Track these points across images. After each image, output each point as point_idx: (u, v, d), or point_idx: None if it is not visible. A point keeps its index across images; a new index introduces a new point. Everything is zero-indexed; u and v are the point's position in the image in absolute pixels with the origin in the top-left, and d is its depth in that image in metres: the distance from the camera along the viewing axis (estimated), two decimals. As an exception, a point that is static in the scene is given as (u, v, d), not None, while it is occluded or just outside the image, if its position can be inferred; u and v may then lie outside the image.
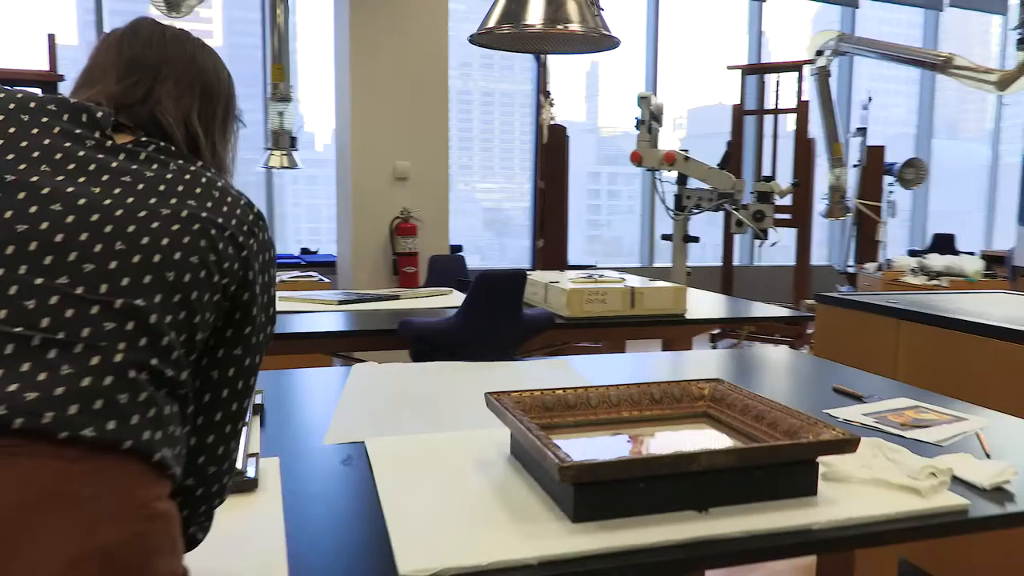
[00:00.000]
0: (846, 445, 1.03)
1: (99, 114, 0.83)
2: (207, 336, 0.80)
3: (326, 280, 4.46)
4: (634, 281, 3.06)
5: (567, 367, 1.94)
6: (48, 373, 0.65)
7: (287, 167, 4.84)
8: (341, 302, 3.09)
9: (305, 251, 5.91)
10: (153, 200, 0.78)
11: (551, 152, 5.01)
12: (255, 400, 1.50)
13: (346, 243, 4.70)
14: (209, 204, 0.81)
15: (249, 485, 1.11)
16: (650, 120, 3.40)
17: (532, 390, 1.26)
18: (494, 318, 2.42)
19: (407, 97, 4.37)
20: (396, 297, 3.28)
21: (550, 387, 1.29)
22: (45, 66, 4.46)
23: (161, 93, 0.89)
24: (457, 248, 5.48)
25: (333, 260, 5.19)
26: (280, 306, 3.01)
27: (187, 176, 0.83)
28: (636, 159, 3.48)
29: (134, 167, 0.80)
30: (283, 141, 4.78)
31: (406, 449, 1.28)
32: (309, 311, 2.98)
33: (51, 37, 4.48)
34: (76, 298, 0.69)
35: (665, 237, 4.18)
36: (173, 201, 0.79)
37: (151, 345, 0.71)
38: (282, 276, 4.40)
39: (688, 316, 2.92)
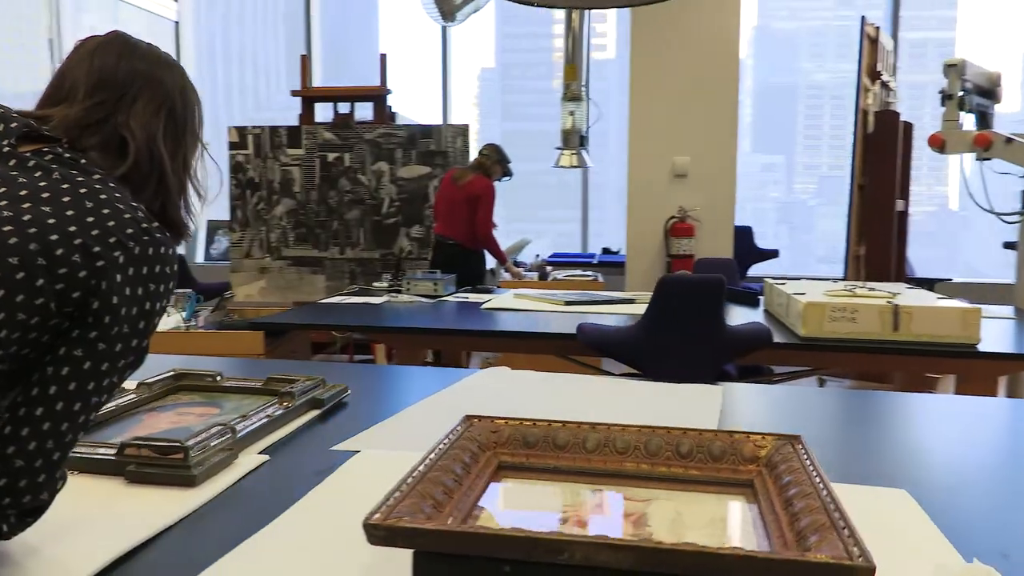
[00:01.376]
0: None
1: (13, 124, 0.88)
2: (31, 334, 0.79)
3: (600, 280, 4.35)
4: (910, 297, 2.41)
5: (714, 396, 1.56)
6: None
7: (576, 166, 4.83)
8: (568, 303, 2.96)
9: (606, 251, 5.88)
10: (3, 203, 0.80)
11: (876, 143, 4.23)
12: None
13: (627, 244, 4.54)
14: (69, 212, 0.81)
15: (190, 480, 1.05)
16: (967, 95, 2.62)
17: (521, 420, 1.00)
18: (684, 330, 2.08)
19: (689, 89, 4.04)
20: (631, 301, 3.05)
21: (552, 419, 1.01)
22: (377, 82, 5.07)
23: (128, 115, 0.94)
24: (761, 253, 4.95)
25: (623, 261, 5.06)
26: (511, 303, 3.00)
27: (63, 185, 0.83)
28: (937, 143, 2.71)
29: (13, 174, 0.84)
30: (572, 140, 4.78)
31: (378, 470, 1.11)
32: (530, 309, 2.91)
33: (383, 57, 5.08)
34: None
35: (1008, 245, 3.24)
36: (25, 206, 0.80)
37: None
38: (556, 275, 4.40)
39: (984, 348, 2.21)
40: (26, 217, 0.79)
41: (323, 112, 5.35)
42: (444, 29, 6.31)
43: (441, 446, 0.90)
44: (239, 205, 5.29)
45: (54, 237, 0.79)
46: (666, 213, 4.11)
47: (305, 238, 5.26)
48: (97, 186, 0.85)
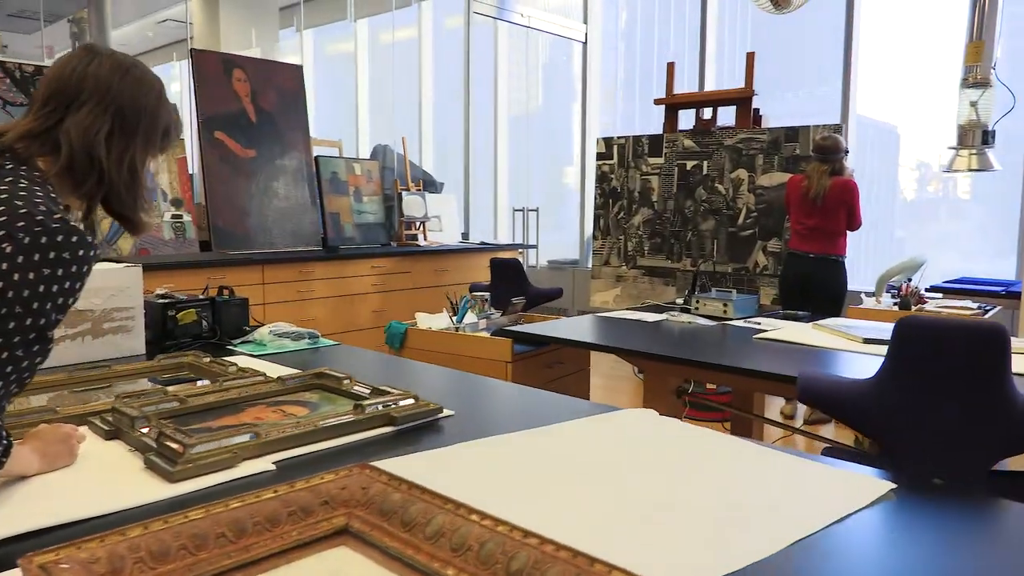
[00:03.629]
0: None
1: None
2: None
3: (978, 309, 3.38)
4: None
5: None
6: None
7: (978, 169, 3.86)
8: (866, 340, 2.38)
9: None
10: None
11: None
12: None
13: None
14: None
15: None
16: None
17: (401, 481, 0.83)
18: (938, 391, 1.50)
19: None
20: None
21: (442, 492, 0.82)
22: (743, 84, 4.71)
23: (71, 120, 1.06)
24: None
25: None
26: (800, 334, 2.54)
27: None
28: None
29: None
30: (972, 137, 3.82)
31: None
32: (816, 344, 2.41)
33: (750, 56, 4.70)
34: None
35: None
36: None
37: None
38: (926, 306, 3.55)
39: None
40: None
41: (687, 119, 5.18)
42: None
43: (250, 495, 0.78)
44: (602, 214, 5.43)
45: None
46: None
47: (660, 248, 5.17)
48: (3, 188, 0.96)
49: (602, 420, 1.45)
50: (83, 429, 1.33)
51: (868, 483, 1.10)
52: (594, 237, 5.54)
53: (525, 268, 7.45)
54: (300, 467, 1.20)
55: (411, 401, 1.45)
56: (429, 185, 6.18)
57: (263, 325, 2.37)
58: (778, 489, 1.07)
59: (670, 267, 5.11)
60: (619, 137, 5.34)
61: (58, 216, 0.97)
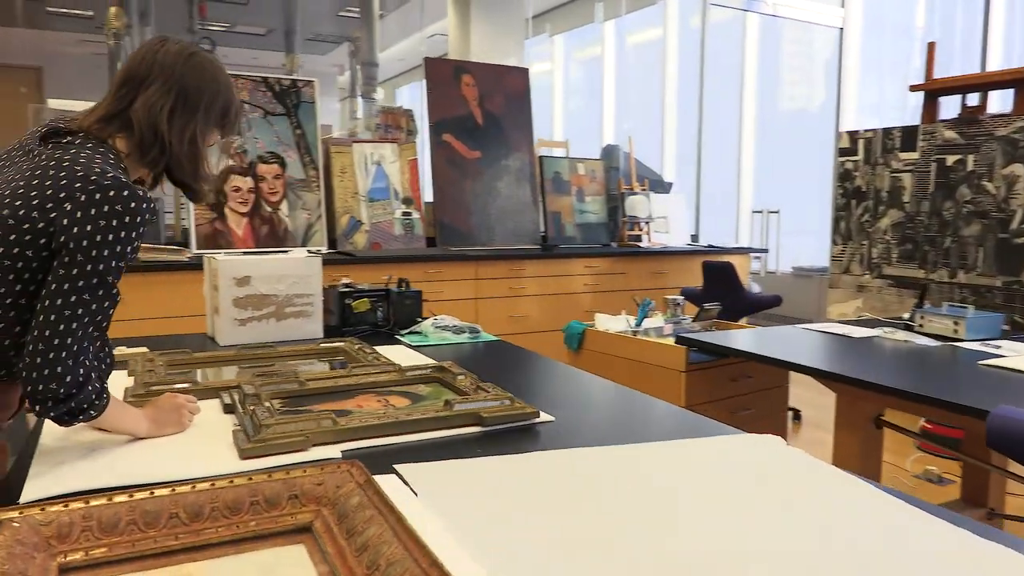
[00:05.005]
0: None
1: (43, 129, 1.21)
2: (26, 274, 1.09)
3: None
4: None
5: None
6: None
7: None
8: None
9: None
10: (9, 178, 1.15)
11: None
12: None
13: None
14: (35, 182, 1.11)
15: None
16: None
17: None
18: None
19: None
20: None
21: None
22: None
23: (139, 99, 1.21)
24: None
25: None
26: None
27: (42, 161, 1.14)
28: None
29: (20, 162, 1.18)
30: None
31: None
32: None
33: (930, 45, 3.93)
34: None
35: None
36: (13, 185, 1.12)
37: None
38: None
39: None
40: (13, 184, 1.12)
41: (949, 107, 4.47)
42: None
43: None
44: (843, 216, 4.88)
45: (19, 203, 1.09)
46: None
47: (911, 255, 4.52)
48: (67, 158, 1.12)
49: (708, 443, 1.28)
50: (210, 402, 1.46)
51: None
52: (833, 242, 5.00)
53: (763, 274, 6.98)
54: (364, 457, 1.19)
55: (506, 402, 1.38)
56: (656, 185, 6.01)
57: (432, 317, 2.44)
58: None
59: (923, 278, 4.45)
60: (866, 130, 4.76)
61: (111, 175, 1.09)
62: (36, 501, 0.97)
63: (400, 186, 4.79)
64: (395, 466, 1.14)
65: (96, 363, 1.15)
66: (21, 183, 1.11)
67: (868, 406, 2.11)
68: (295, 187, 4.43)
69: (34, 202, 1.08)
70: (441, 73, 5.01)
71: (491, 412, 1.35)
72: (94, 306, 1.09)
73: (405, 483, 1.06)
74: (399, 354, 1.99)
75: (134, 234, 1.11)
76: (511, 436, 1.32)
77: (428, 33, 12.37)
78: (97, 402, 1.12)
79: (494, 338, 2.27)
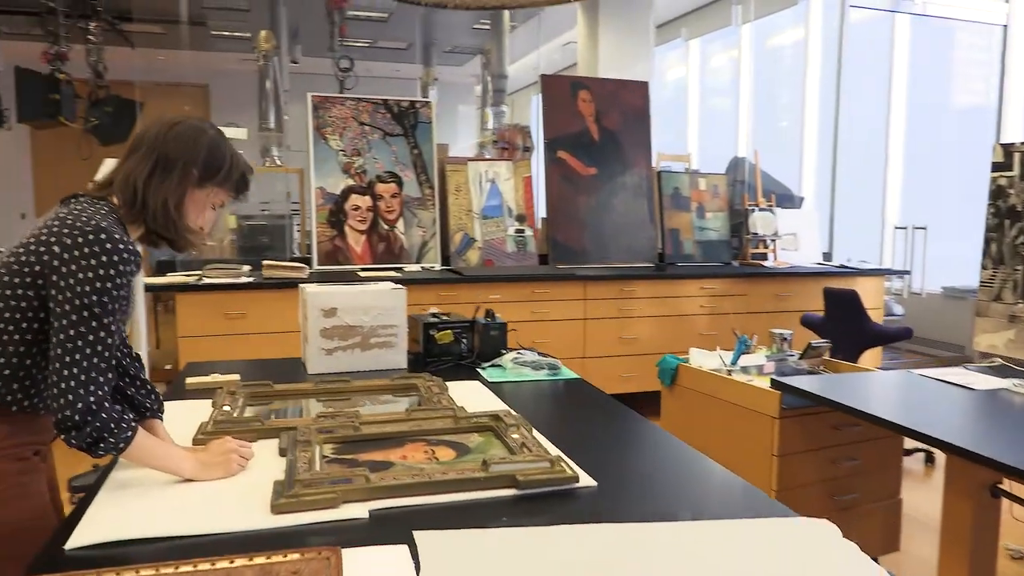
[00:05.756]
0: None
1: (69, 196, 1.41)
2: (38, 298, 1.28)
3: None
4: None
5: None
6: None
7: None
8: None
9: None
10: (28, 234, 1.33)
11: None
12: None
13: None
14: (40, 231, 1.29)
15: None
16: None
17: None
18: None
19: None
20: None
21: None
22: None
23: (127, 164, 1.38)
24: None
25: None
26: None
27: (49, 218, 1.32)
28: None
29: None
30: None
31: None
32: None
33: None
34: None
35: None
36: (31, 232, 1.32)
37: None
38: None
39: None
40: (21, 244, 1.30)
41: None
42: None
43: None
44: (995, 237, 4.42)
45: (21, 250, 1.28)
46: None
47: (1074, 285, 4.02)
48: (64, 211, 1.31)
49: (750, 527, 1.18)
50: (272, 441, 1.52)
51: None
52: (983, 266, 4.54)
53: (905, 295, 6.45)
54: (390, 519, 1.20)
55: (546, 464, 1.35)
56: (785, 200, 5.70)
57: (516, 350, 2.43)
58: None
59: (1088, 310, 3.95)
60: (1022, 143, 4.29)
61: (94, 223, 1.26)
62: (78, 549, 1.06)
63: (514, 203, 4.82)
64: (414, 532, 1.14)
65: (117, 394, 1.33)
66: (31, 235, 1.30)
67: (983, 473, 1.89)
68: (411, 205, 4.56)
69: (31, 247, 1.28)
70: (558, 89, 4.99)
71: (528, 475, 1.32)
72: (91, 337, 1.22)
73: (414, 556, 1.05)
74: (471, 392, 1.99)
75: (113, 272, 1.24)
76: (546, 502, 1.29)
77: (563, 41, 12.40)
78: (116, 431, 1.23)
79: (573, 376, 2.23)
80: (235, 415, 1.67)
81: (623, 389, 4.50)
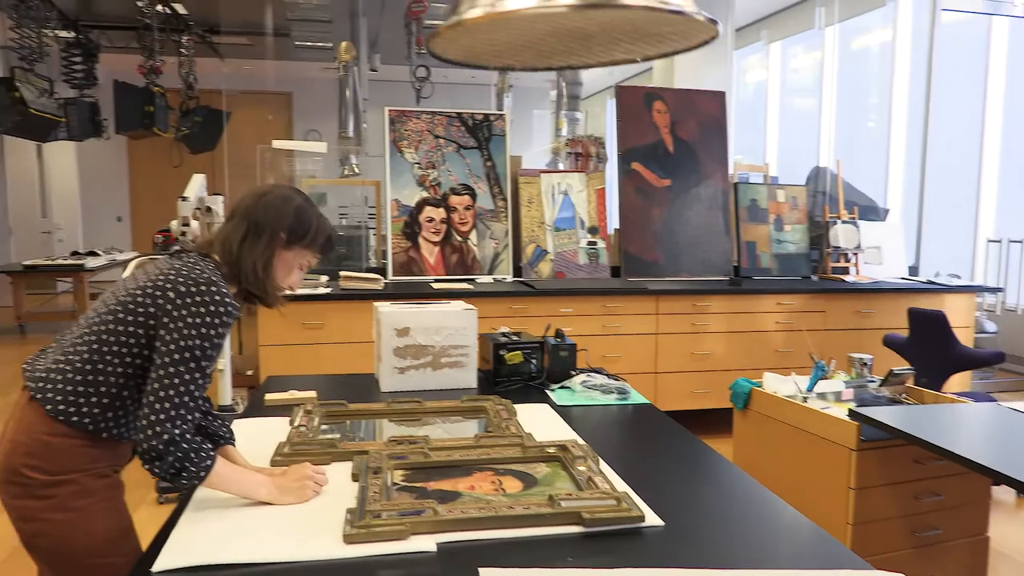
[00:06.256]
0: None
1: (172, 251, 1.59)
2: (141, 347, 1.40)
3: None
4: None
5: None
6: None
7: None
8: None
9: None
10: (142, 278, 1.46)
11: None
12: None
13: None
14: (154, 277, 1.42)
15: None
16: None
17: None
18: None
19: None
20: None
21: None
22: None
23: (225, 229, 1.52)
24: None
25: None
26: None
27: (163, 266, 1.46)
28: None
29: (151, 269, 1.48)
30: None
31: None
32: None
33: None
34: None
35: None
36: (145, 277, 1.44)
37: None
38: None
39: None
40: (137, 286, 1.42)
41: None
42: None
43: None
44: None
45: (138, 292, 1.40)
46: None
47: None
48: (178, 263, 1.44)
49: (823, 581, 1.15)
50: (345, 464, 1.57)
51: None
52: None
53: (999, 312, 6.13)
54: (458, 552, 1.22)
55: (612, 503, 1.35)
56: (869, 211, 5.50)
57: (585, 371, 2.43)
58: None
59: None
60: None
61: (204, 276, 1.39)
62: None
63: (586, 215, 4.81)
64: (480, 569, 1.16)
65: (197, 430, 1.42)
66: (147, 280, 1.41)
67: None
68: (484, 217, 4.61)
69: (147, 290, 1.40)
70: (632, 100, 4.95)
71: (594, 513, 1.32)
72: (187, 377, 1.33)
73: (479, 597, 1.07)
74: (539, 417, 2.00)
75: (217, 321, 1.36)
76: (612, 540, 1.29)
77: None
78: (197, 460, 1.31)
79: (644, 401, 2.21)
80: (311, 436, 1.73)
81: (695, 405, 4.43)
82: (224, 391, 3.65)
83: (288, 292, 1.59)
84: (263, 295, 1.53)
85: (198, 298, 1.36)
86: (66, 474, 1.38)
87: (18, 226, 9.64)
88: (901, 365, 3.94)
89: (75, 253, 8.43)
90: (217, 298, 1.37)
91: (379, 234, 4.91)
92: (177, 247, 3.31)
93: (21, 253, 9.48)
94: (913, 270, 5.68)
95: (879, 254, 5.38)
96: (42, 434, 1.37)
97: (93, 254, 8.28)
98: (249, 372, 4.45)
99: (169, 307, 1.36)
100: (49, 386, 1.38)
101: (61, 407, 1.37)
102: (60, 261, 7.75)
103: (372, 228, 5.17)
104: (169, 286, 1.38)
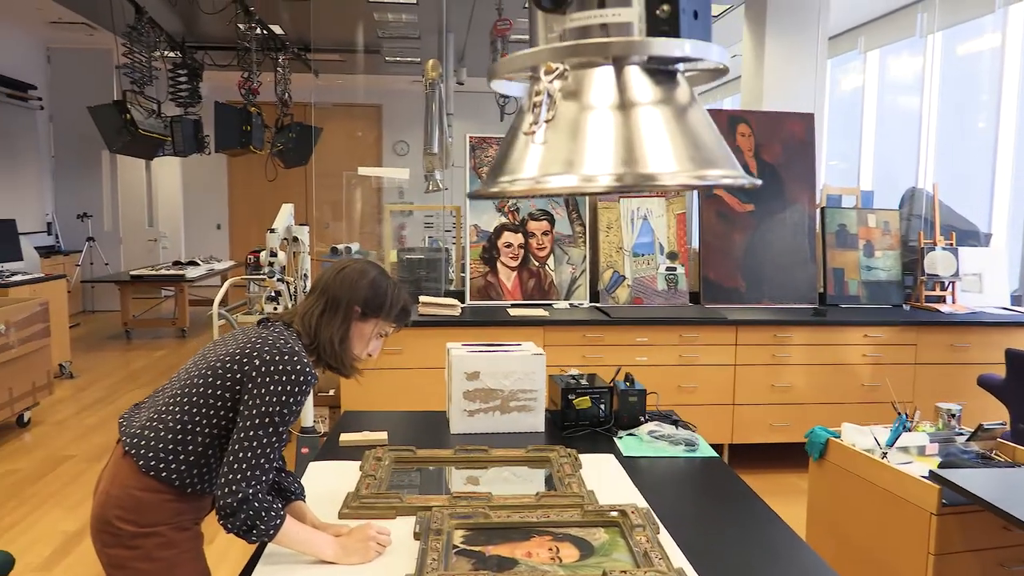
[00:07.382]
0: None
1: (259, 321, 1.65)
2: (226, 411, 1.50)
3: None
4: None
5: None
6: None
7: None
8: None
9: None
10: (232, 344, 1.56)
11: None
12: None
13: None
14: (238, 347, 1.52)
15: None
16: None
17: None
18: None
19: None
20: None
21: None
22: None
23: (305, 303, 1.60)
24: None
25: None
26: None
27: (251, 333, 1.54)
28: None
29: (241, 337, 1.57)
30: None
31: None
32: None
33: None
34: None
35: None
36: (235, 343, 1.55)
37: None
38: None
39: None
40: (227, 352, 1.52)
41: None
42: None
43: None
44: None
45: (227, 358, 1.51)
46: None
47: None
48: (264, 332, 1.55)
49: None
50: (403, 522, 1.62)
51: None
52: None
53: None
54: (509, 632, 1.25)
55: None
56: (969, 236, 5.23)
57: (655, 416, 2.42)
58: None
59: None
60: None
61: (289, 346, 1.49)
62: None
63: (666, 240, 4.76)
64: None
65: (271, 492, 1.51)
66: (236, 347, 1.50)
67: None
68: (562, 243, 4.63)
69: (236, 356, 1.50)
70: (716, 123, 4.87)
71: (647, 590, 1.33)
72: (265, 440, 1.41)
73: None
74: (603, 470, 2.01)
75: (297, 389, 1.46)
76: (665, 623, 1.29)
77: (729, 54, 12.02)
78: (267, 519, 1.39)
79: (712, 455, 2.19)
80: (378, 488, 1.80)
81: (773, 439, 4.32)
82: (306, 413, 3.80)
83: (367, 359, 1.68)
84: (339, 366, 1.61)
85: (281, 367, 1.45)
86: (153, 527, 1.48)
87: (127, 235, 10.27)
88: (996, 407, 3.73)
89: (177, 263, 8.92)
90: (298, 367, 1.46)
91: (458, 260, 5.00)
92: (267, 311, 3.46)
93: (129, 259, 10.11)
94: (1016, 300, 5.36)
95: (979, 282, 5.10)
96: (134, 488, 1.48)
97: (193, 263, 8.74)
98: (331, 392, 4.61)
99: (255, 374, 1.45)
100: (143, 443, 1.49)
101: (152, 463, 1.48)
102: (163, 272, 8.22)
103: (452, 244, 5.27)
104: (255, 354, 1.48)
